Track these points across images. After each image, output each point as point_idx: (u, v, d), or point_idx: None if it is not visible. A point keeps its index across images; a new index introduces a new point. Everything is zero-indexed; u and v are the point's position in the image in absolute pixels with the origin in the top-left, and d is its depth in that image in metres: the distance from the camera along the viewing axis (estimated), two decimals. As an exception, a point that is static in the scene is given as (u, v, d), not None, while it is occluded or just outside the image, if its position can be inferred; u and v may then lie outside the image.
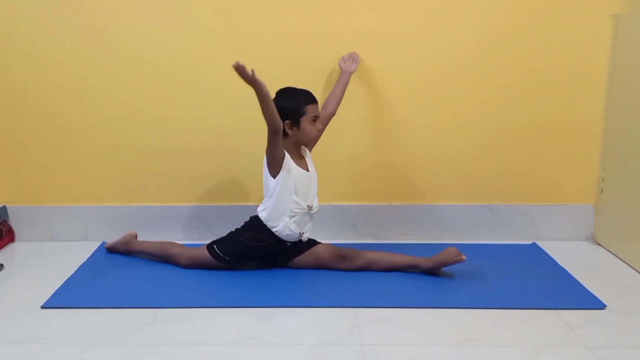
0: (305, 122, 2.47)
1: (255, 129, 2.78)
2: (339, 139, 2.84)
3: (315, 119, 2.50)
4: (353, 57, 2.72)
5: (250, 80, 2.27)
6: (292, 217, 2.47)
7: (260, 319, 2.17)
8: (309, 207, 2.51)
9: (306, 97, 2.49)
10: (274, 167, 2.45)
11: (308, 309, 2.23)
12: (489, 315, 2.18)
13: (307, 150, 2.61)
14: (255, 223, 2.53)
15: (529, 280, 2.47)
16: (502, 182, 2.90)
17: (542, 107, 2.84)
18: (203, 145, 2.85)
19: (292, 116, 2.46)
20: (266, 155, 2.46)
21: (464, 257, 2.42)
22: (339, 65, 2.71)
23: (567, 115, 2.85)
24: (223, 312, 2.20)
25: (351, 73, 2.70)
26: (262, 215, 2.50)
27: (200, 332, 2.07)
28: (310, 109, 2.47)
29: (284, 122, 2.43)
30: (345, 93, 2.74)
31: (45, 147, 2.86)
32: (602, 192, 2.87)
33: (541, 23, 2.75)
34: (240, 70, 2.24)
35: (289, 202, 2.46)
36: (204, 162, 2.87)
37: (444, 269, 2.49)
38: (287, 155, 2.46)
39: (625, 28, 2.69)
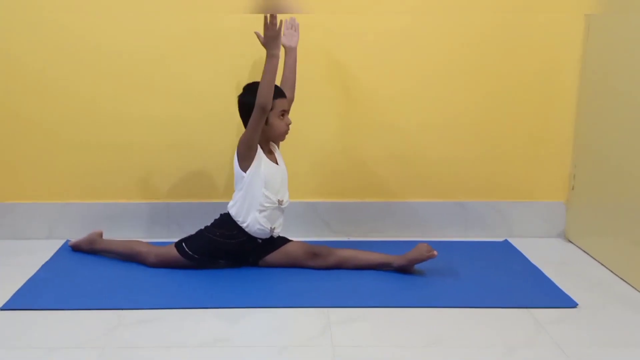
0: (273, 116, 2.41)
1: (225, 123, 2.76)
2: (310, 135, 2.80)
3: (283, 113, 2.43)
4: (293, 25, 2.52)
5: (274, 37, 2.26)
6: (261, 211, 2.41)
7: (230, 320, 2.10)
8: (279, 202, 2.45)
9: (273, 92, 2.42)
10: (246, 158, 2.38)
11: (279, 309, 2.17)
12: (461, 314, 2.15)
13: (276, 145, 2.54)
14: (225, 220, 2.47)
15: (500, 278, 2.44)
16: (474, 179, 2.87)
17: (514, 104, 2.82)
18: (172, 141, 2.77)
19: (243, 103, 2.41)
20: (240, 145, 2.38)
21: (435, 252, 2.39)
22: (282, 43, 2.44)
23: (538, 112, 2.83)
24: (192, 314, 2.13)
25: (296, 47, 2.52)
26: (232, 210, 2.44)
27: (167, 335, 2.00)
28: (278, 103, 2.40)
29: (245, 116, 2.39)
30: (317, 88, 2.69)
31: (8, 143, 2.76)
32: (573, 189, 2.86)
33: (513, 22, 2.73)
34: (271, 20, 2.22)
35: (259, 196, 2.40)
36: (173, 158, 2.79)
37: (416, 266, 2.46)
38: (259, 149, 2.40)
39: (597, 27, 2.67)
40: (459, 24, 2.72)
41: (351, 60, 2.74)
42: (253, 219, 2.41)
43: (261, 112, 2.30)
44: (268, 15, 2.28)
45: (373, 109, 2.80)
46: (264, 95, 2.28)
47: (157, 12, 2.65)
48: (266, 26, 2.29)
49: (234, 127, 2.73)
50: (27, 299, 2.20)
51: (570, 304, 2.23)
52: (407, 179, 2.86)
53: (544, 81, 2.79)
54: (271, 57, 2.30)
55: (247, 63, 2.68)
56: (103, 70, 2.70)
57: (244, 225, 2.42)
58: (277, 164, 2.48)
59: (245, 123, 2.40)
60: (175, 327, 2.04)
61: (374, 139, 2.82)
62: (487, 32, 2.74)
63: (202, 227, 2.49)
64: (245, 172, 2.40)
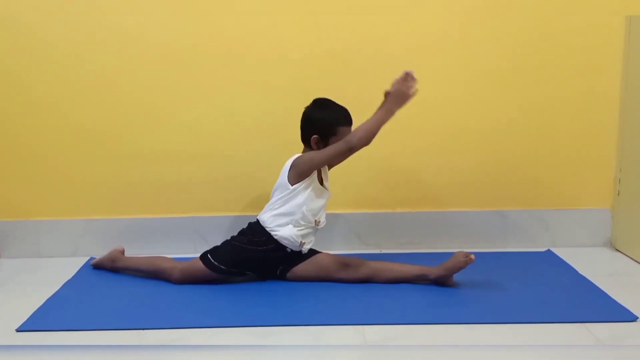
0: (333, 142, 2.22)
1: (252, 132, 2.57)
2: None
3: None
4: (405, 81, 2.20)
5: (403, 95, 2.17)
6: (296, 227, 2.22)
7: (259, 338, 1.86)
8: (316, 222, 2.26)
9: (342, 118, 2.25)
10: (302, 175, 2.21)
11: (311, 327, 1.93)
12: (511, 331, 1.88)
13: (326, 167, 2.34)
14: (254, 227, 2.27)
15: (548, 290, 2.17)
16: (514, 186, 2.62)
17: (554, 107, 2.57)
18: (198, 151, 2.57)
19: (322, 131, 2.23)
20: (303, 162, 2.20)
21: (472, 257, 2.15)
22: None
23: (580, 115, 2.58)
24: (218, 333, 1.90)
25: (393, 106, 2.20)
26: (265, 217, 2.24)
27: (191, 356, 1.77)
28: (342, 131, 2.22)
29: (312, 135, 2.21)
30: (347, 96, 2.49)
31: (31, 157, 2.58)
32: (619, 194, 2.58)
33: (554, 25, 2.51)
34: (411, 76, 2.14)
35: (297, 212, 2.21)
36: (198, 169, 2.59)
37: (456, 278, 2.20)
38: (308, 152, 2.25)
39: (638, 27, 2.42)
40: (502, 28, 2.51)
41: (386, 64, 2.51)
42: (287, 231, 2.22)
43: (348, 152, 2.18)
44: (411, 72, 2.15)
45: (405, 113, 2.56)
46: (360, 141, 2.16)
47: (189, 20, 2.50)
48: (403, 82, 2.15)
49: (262, 136, 2.56)
50: (45, 319, 1.99)
51: (629, 317, 1.95)
52: (442, 187, 2.62)
53: (585, 83, 2.55)
54: (387, 112, 2.17)
55: (272, 70, 2.50)
56: (129, 79, 2.53)
57: (273, 233, 2.22)
58: (326, 188, 2.30)
59: (304, 136, 2.26)
60: (198, 348, 1.81)
61: (407, 146, 2.59)
62: (526, 35, 2.52)
63: (228, 238, 2.29)
64: (292, 184, 2.21)
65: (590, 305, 2.05)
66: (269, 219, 2.23)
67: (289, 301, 2.11)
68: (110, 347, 1.81)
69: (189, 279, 2.24)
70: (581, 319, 1.93)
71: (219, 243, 2.31)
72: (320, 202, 2.27)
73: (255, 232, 2.25)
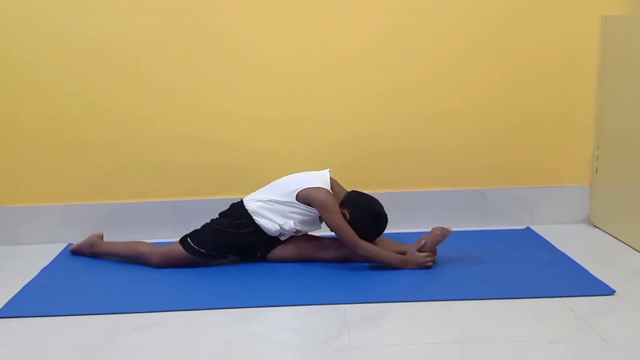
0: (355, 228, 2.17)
1: (234, 117, 2.52)
2: (324, 125, 2.55)
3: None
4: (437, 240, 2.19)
5: (417, 267, 2.14)
6: (279, 228, 2.20)
7: (240, 321, 1.84)
8: (297, 232, 2.24)
9: (376, 233, 2.22)
10: (309, 204, 2.18)
11: (292, 308, 1.91)
12: (491, 307, 1.88)
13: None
14: (236, 209, 2.24)
15: (528, 267, 2.17)
16: (493, 165, 2.61)
17: (531, 85, 2.56)
18: (178, 135, 2.53)
19: (354, 219, 2.17)
20: (320, 205, 2.16)
21: (449, 229, 2.17)
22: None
23: (558, 93, 2.57)
24: (200, 315, 1.87)
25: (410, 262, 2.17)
26: (252, 206, 2.20)
27: (172, 339, 1.74)
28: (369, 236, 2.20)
29: (346, 213, 2.18)
30: (326, 76, 2.47)
31: (7, 143, 2.52)
32: (597, 171, 2.58)
33: (532, 9, 2.49)
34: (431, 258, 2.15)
35: (288, 221, 2.19)
36: (178, 153, 2.55)
37: (437, 256, 2.20)
38: (333, 201, 2.18)
39: (617, 5, 2.41)
40: (476, 5, 2.48)
41: (369, 50, 2.50)
42: (266, 223, 2.20)
43: (347, 246, 2.16)
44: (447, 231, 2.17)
45: (385, 95, 2.54)
46: (356, 254, 2.16)
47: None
48: (425, 256, 2.15)
49: (244, 120, 2.53)
50: (22, 306, 1.95)
51: (607, 291, 1.95)
52: (423, 168, 2.60)
53: (562, 59, 2.54)
54: (391, 262, 2.14)
55: (255, 54, 2.47)
56: (100, 67, 2.47)
57: (255, 218, 2.20)
58: (320, 224, 2.28)
59: (346, 204, 2.20)
60: (180, 330, 1.78)
61: (386, 127, 2.56)
62: (503, 14, 2.49)
63: (208, 221, 2.26)
64: (298, 203, 2.18)
65: (569, 280, 2.05)
66: (255, 208, 2.20)
67: (269, 283, 2.09)
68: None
69: (169, 263, 2.21)
70: (560, 293, 1.93)
71: (198, 227, 2.28)
72: (308, 228, 2.25)
73: (237, 213, 2.22)
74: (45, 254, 2.41)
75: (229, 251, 2.25)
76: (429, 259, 2.14)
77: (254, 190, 2.30)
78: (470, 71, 2.53)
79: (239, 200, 2.27)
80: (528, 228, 2.58)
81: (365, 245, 2.14)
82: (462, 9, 2.49)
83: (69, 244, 2.47)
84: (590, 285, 2.00)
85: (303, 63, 2.50)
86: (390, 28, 2.49)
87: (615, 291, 1.94)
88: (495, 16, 2.49)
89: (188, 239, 2.22)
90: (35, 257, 2.38)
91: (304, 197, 2.18)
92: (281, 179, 2.28)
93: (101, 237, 2.37)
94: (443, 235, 2.16)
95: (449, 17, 2.49)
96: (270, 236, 2.22)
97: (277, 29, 2.48)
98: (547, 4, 2.49)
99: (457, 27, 2.50)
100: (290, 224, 2.19)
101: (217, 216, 2.27)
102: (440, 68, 2.53)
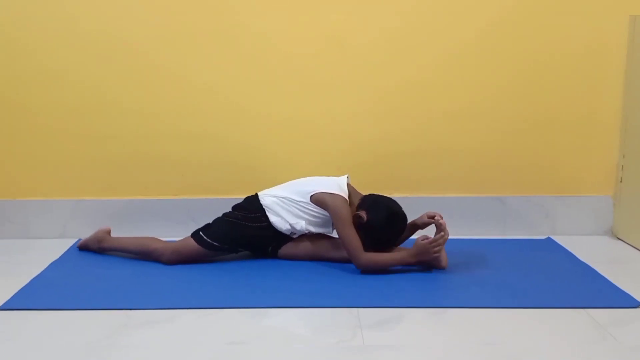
0: (369, 234, 2.13)
1: (248, 114, 2.49)
2: (338, 126, 2.51)
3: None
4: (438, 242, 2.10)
5: (426, 259, 2.08)
6: (291, 225, 2.17)
7: (250, 320, 1.79)
8: (309, 232, 2.21)
9: (396, 233, 2.18)
10: (323, 207, 2.14)
11: (303, 310, 1.85)
12: (511, 315, 1.81)
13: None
14: (250, 202, 2.21)
15: (549, 277, 2.10)
16: (514, 172, 2.54)
17: (556, 92, 2.50)
18: (191, 132, 2.50)
19: (371, 220, 2.13)
20: (333, 211, 2.12)
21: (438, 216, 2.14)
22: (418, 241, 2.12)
23: (582, 100, 2.50)
24: (209, 314, 1.82)
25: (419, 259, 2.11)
26: (265, 200, 2.18)
27: (180, 337, 1.69)
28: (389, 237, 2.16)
29: (362, 216, 2.14)
30: (347, 77, 2.43)
31: (20, 137, 2.50)
32: (621, 181, 2.51)
33: (555, 5, 2.43)
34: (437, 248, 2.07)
35: (300, 221, 2.16)
36: (192, 150, 2.52)
37: (451, 263, 2.14)
38: (347, 209, 2.14)
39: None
40: (504, 9, 2.44)
41: (386, 48, 2.46)
42: (278, 221, 2.17)
43: (351, 258, 2.10)
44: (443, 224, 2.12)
45: (403, 94, 2.49)
46: (364, 268, 2.09)
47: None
48: (430, 244, 2.07)
49: (257, 118, 2.50)
50: (28, 299, 1.91)
51: (632, 303, 1.88)
52: (441, 172, 2.54)
53: (588, 67, 2.48)
54: (402, 260, 2.08)
55: (270, 52, 2.44)
56: (114, 62, 2.45)
57: (269, 215, 2.18)
58: (332, 230, 2.24)
59: (363, 206, 2.17)
60: (188, 328, 1.74)
61: (406, 130, 2.51)
62: (530, 18, 2.44)
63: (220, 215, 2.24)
64: (312, 205, 2.15)
65: (593, 291, 1.98)
66: (269, 204, 2.18)
67: (281, 282, 2.04)
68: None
69: (180, 258, 2.17)
70: (583, 304, 1.86)
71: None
72: (320, 230, 2.22)
73: (251, 207, 2.20)
74: (55, 248, 2.38)
75: (241, 245, 2.22)
76: (433, 244, 2.06)
77: (268, 189, 2.27)
78: (490, 72, 2.48)
79: (254, 194, 2.24)
80: (549, 238, 2.51)
81: (366, 260, 2.07)
82: (482, 7, 2.44)
83: (79, 240, 2.44)
84: (614, 297, 1.93)
85: (320, 61, 2.46)
86: (409, 25, 2.45)
87: (639, 303, 1.88)
88: (519, 14, 2.44)
89: (200, 232, 2.20)
90: (45, 251, 2.35)
91: (319, 201, 2.14)
92: (299, 179, 2.25)
93: (108, 232, 2.34)
94: (429, 216, 2.14)
95: (470, 14, 2.44)
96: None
97: (293, 24, 2.44)
98: (573, 2, 2.43)
99: (479, 25, 2.45)
100: (302, 224, 2.16)
101: (231, 209, 2.24)
102: (460, 67, 2.48)
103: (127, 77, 2.47)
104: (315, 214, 2.17)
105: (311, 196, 2.16)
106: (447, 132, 2.51)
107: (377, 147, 2.53)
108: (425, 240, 2.08)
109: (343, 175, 2.27)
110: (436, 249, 2.07)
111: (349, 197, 2.19)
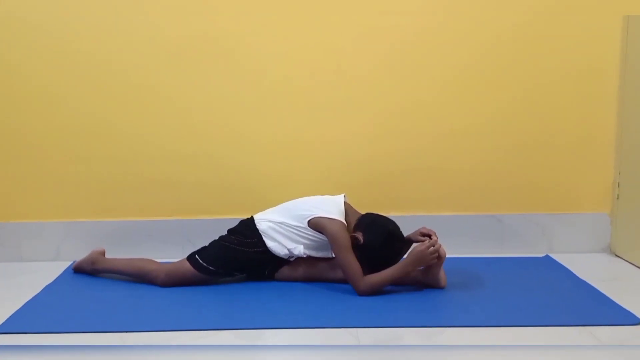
0: (366, 255, 2.10)
1: (245, 134, 2.49)
2: (335, 145, 2.51)
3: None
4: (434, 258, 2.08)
5: (424, 263, 2.06)
6: (289, 250, 2.16)
7: (247, 342, 1.77)
8: (307, 255, 2.19)
9: (395, 254, 2.13)
10: (321, 231, 2.12)
11: (302, 330, 1.83)
12: (511, 334, 1.79)
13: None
14: (247, 226, 2.19)
15: (548, 295, 2.09)
16: (511, 190, 2.54)
17: (552, 110, 2.51)
18: (187, 152, 2.49)
19: (368, 242, 2.10)
20: (331, 235, 2.09)
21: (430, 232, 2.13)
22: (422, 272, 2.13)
23: (577, 118, 2.52)
24: (205, 335, 1.80)
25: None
26: (262, 225, 2.16)
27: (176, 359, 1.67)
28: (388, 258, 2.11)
29: (357, 230, 2.13)
30: (342, 98, 2.44)
31: (12, 158, 2.49)
32: (618, 198, 2.51)
33: (550, 26, 2.46)
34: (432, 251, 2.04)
35: (297, 246, 2.15)
36: (188, 170, 2.50)
37: (450, 281, 2.13)
38: (346, 234, 2.11)
39: (637, 25, 2.38)
40: (498, 29, 2.46)
41: (382, 67, 2.47)
42: (275, 246, 2.16)
43: (350, 282, 2.07)
44: (433, 236, 2.12)
45: (398, 114, 2.50)
46: (363, 293, 2.04)
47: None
48: (425, 248, 2.05)
49: (254, 138, 2.50)
50: (23, 322, 1.88)
51: (632, 320, 1.87)
52: (437, 191, 2.54)
53: (582, 83, 2.49)
54: (402, 271, 2.06)
55: (267, 71, 2.45)
56: (108, 83, 2.45)
57: (265, 240, 2.16)
58: (330, 254, 2.21)
59: (360, 228, 2.14)
60: (184, 351, 1.71)
61: (399, 148, 2.51)
62: (521, 33, 2.46)
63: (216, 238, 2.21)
64: (310, 230, 2.13)
65: (593, 309, 1.97)
66: (266, 229, 2.16)
67: (279, 303, 2.02)
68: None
69: (176, 281, 2.15)
70: (584, 322, 1.85)
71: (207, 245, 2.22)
72: (318, 253, 2.19)
73: (247, 231, 2.18)
74: (49, 271, 2.35)
75: (237, 269, 2.19)
76: (430, 248, 2.04)
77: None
78: (485, 90, 2.49)
79: (250, 217, 2.22)
80: (547, 256, 2.50)
81: (365, 287, 2.04)
82: (477, 28, 2.46)
83: (73, 262, 2.41)
84: (614, 314, 1.92)
85: (315, 82, 2.47)
86: (404, 46, 2.47)
87: (641, 321, 1.86)
88: (510, 34, 2.46)
89: (196, 256, 2.17)
90: (38, 274, 2.32)
91: (317, 225, 2.13)
92: (294, 201, 2.23)
93: (103, 253, 2.32)
94: (423, 234, 2.13)
95: (464, 35, 2.46)
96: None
97: (290, 47, 2.45)
98: (565, 22, 2.45)
99: (471, 46, 2.47)
100: (300, 249, 2.14)
101: (227, 233, 2.22)
102: (454, 87, 2.49)
103: (121, 99, 2.47)
104: (313, 238, 2.15)
105: (309, 221, 2.14)
106: (445, 151, 2.52)
107: (374, 166, 2.52)
108: (421, 245, 2.06)
109: (340, 194, 2.26)
110: (431, 249, 2.05)
111: (346, 216, 2.18)
